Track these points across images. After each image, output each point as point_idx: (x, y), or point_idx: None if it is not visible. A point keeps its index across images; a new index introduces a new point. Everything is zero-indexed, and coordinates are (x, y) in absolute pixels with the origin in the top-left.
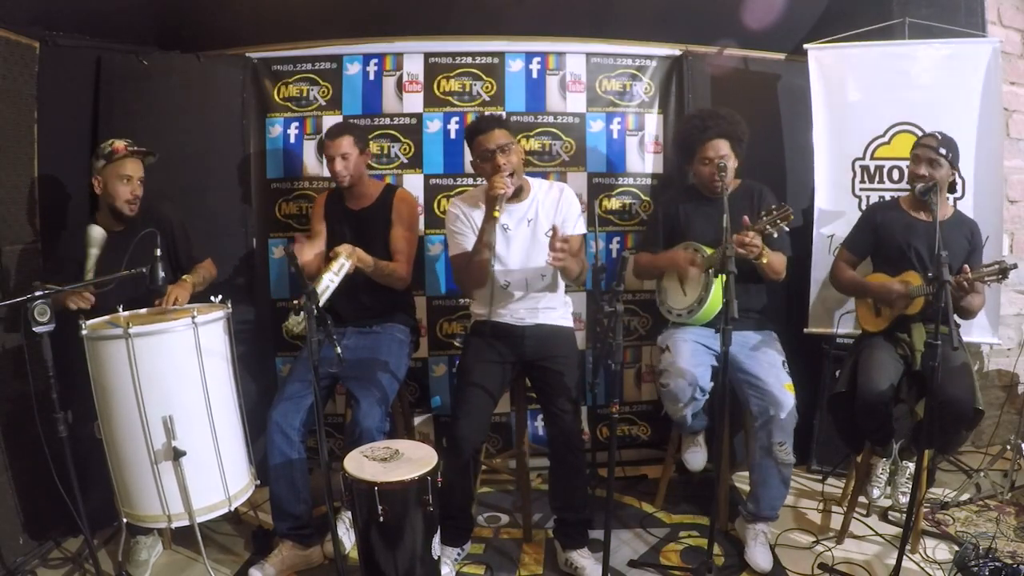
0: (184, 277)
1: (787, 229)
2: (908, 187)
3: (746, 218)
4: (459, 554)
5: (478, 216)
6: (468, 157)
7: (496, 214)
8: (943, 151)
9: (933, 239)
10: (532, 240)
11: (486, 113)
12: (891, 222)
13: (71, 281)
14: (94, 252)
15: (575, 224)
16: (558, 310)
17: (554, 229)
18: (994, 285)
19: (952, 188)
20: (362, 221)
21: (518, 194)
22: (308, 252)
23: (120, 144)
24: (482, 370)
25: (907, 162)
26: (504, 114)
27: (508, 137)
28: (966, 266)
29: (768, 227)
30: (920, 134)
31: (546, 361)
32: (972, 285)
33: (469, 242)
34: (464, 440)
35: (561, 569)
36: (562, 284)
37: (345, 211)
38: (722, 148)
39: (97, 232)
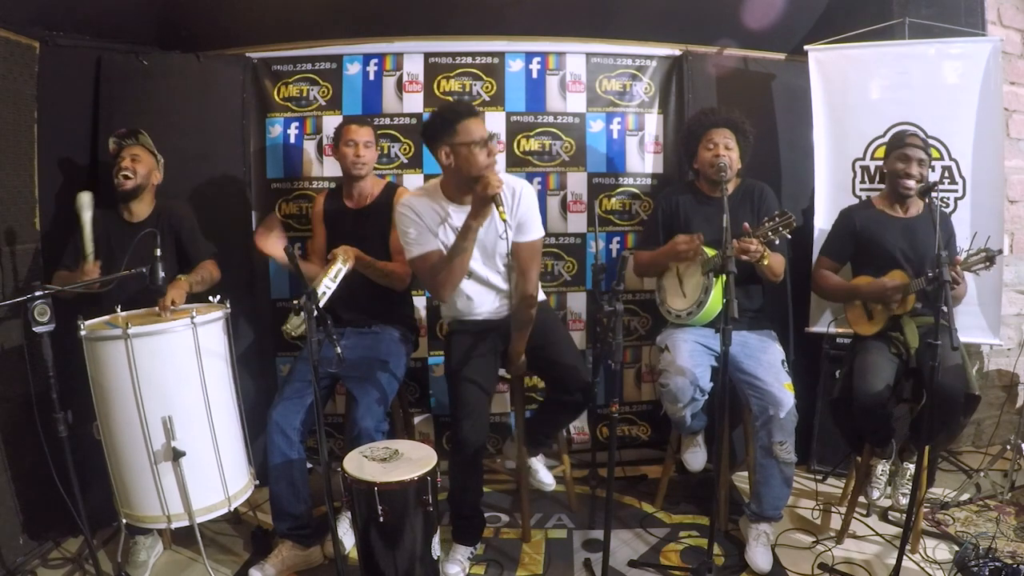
0: (180, 276)
1: (788, 236)
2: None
3: (747, 225)
4: (472, 552)
5: (427, 216)
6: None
7: (503, 216)
8: (927, 152)
9: (912, 236)
10: (487, 231)
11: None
12: (869, 223)
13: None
14: (87, 216)
15: (532, 227)
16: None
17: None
18: (994, 284)
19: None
20: (361, 220)
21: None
22: (272, 243)
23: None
24: (472, 366)
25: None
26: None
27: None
28: (957, 257)
29: (770, 233)
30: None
31: (537, 339)
32: (959, 275)
33: (429, 241)
34: (468, 441)
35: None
36: None
37: (344, 210)
38: (727, 135)
39: (86, 197)
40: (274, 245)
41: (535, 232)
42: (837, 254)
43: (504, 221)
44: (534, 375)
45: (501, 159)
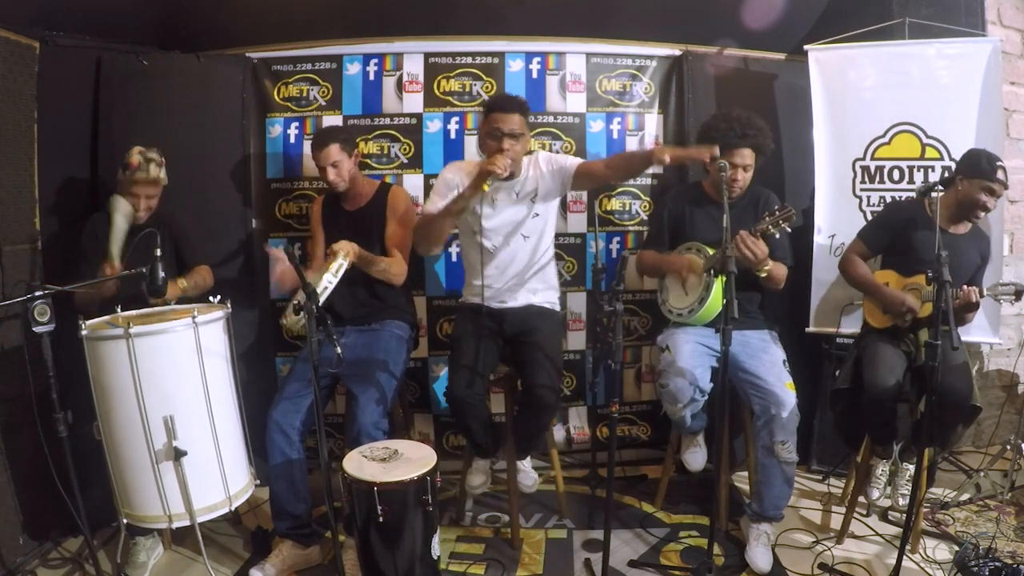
0: (177, 279)
1: (789, 230)
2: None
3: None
4: (492, 462)
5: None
6: (475, 147)
7: (485, 187)
8: (1007, 184)
9: (951, 252)
10: (517, 207)
11: (513, 94)
12: (914, 226)
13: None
14: (119, 220)
15: (568, 159)
16: (539, 293)
17: None
18: (987, 280)
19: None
20: (358, 221)
21: (509, 176)
22: (290, 279)
23: (135, 160)
24: (473, 338)
25: (908, 162)
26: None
27: (523, 126)
28: (982, 288)
29: (770, 227)
30: (923, 138)
31: (525, 335)
32: (970, 297)
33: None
34: (457, 398)
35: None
36: (551, 268)
37: (342, 213)
38: (748, 158)
39: (121, 203)
40: (290, 280)
41: (573, 159)
42: (872, 243)
43: (483, 190)
44: (515, 371)
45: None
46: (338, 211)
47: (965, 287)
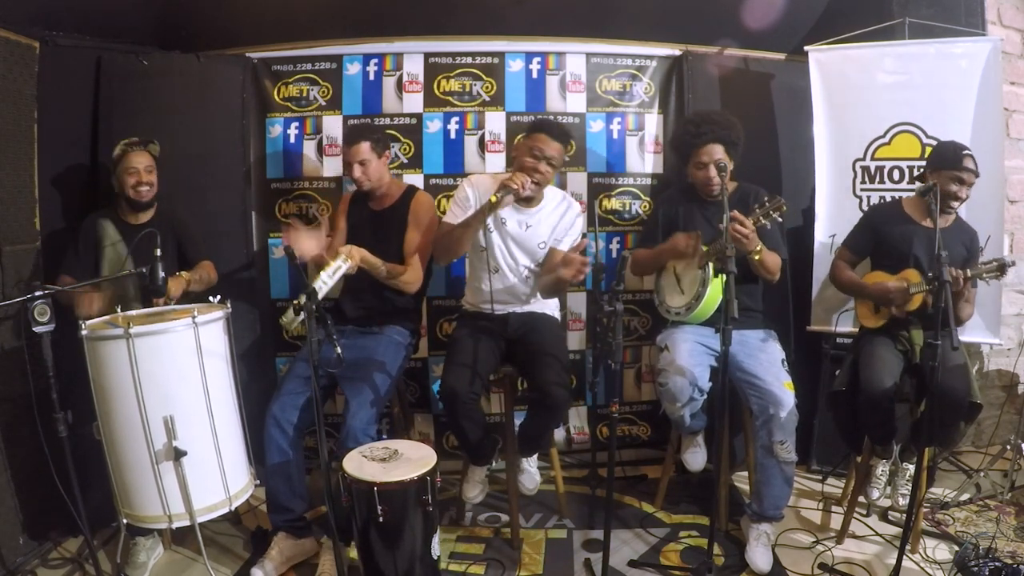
0: (181, 272)
1: (780, 220)
2: (913, 189)
3: (735, 212)
4: (488, 470)
5: (484, 193)
6: (474, 147)
7: (493, 199)
8: (978, 173)
9: (934, 244)
10: (522, 241)
11: (565, 123)
12: (894, 227)
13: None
14: (108, 247)
15: (568, 241)
16: (542, 308)
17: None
18: (994, 284)
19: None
20: (381, 221)
21: (530, 200)
22: (307, 243)
23: (120, 147)
24: (473, 338)
25: (908, 162)
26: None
27: (561, 157)
28: (963, 270)
29: (761, 218)
30: (923, 138)
31: (529, 335)
32: (965, 286)
33: (460, 217)
34: (451, 391)
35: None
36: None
37: (367, 211)
38: (716, 152)
39: (109, 227)
40: (306, 244)
41: (569, 243)
42: (856, 248)
43: (492, 203)
44: (519, 372)
45: (501, 160)
46: (364, 209)
47: (953, 270)
